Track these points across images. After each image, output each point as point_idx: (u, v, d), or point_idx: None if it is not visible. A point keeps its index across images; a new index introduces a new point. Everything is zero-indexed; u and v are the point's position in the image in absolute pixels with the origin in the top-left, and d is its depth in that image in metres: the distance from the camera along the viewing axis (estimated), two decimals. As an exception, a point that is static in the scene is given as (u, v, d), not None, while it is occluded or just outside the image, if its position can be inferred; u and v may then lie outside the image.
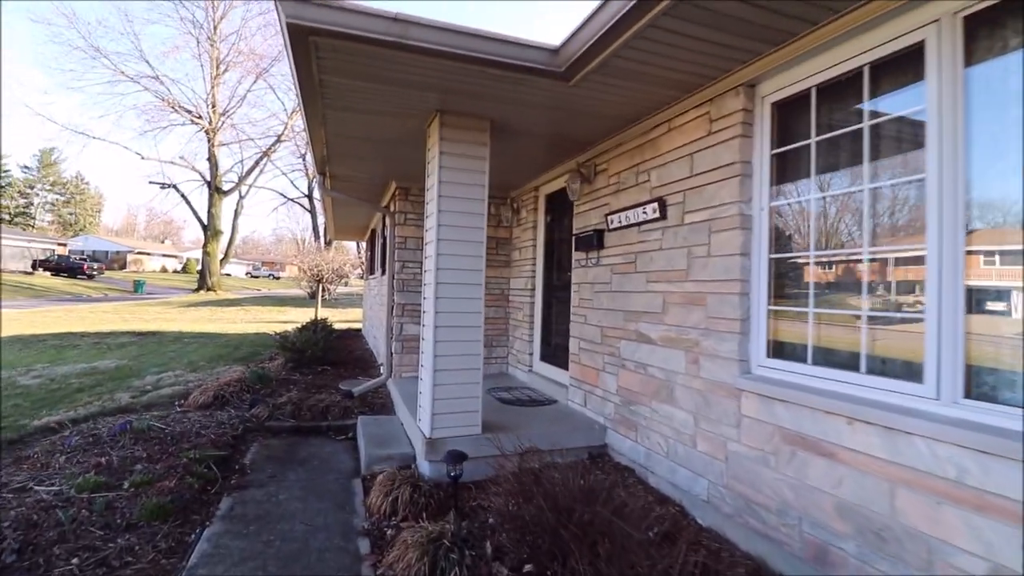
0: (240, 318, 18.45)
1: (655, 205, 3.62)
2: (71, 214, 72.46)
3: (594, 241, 4.39)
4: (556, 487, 2.49)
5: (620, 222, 4.06)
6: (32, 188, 68.42)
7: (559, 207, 5.66)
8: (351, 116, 3.88)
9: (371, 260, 11.08)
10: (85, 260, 41.45)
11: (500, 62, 2.90)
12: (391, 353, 6.24)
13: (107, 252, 56.37)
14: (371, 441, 4.37)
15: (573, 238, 4.79)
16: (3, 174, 62.51)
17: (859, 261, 2.50)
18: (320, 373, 7.57)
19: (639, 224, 3.85)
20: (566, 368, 5.15)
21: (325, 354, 7.96)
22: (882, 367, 2.34)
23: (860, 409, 2.26)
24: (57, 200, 71.39)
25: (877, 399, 2.27)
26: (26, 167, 68.24)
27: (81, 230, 69.29)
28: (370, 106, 3.64)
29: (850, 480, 2.30)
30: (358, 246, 44.25)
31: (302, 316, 19.32)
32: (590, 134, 4.21)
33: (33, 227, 63.77)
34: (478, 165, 3.84)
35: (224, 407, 5.66)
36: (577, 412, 4.63)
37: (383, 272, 7.72)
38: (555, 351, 5.63)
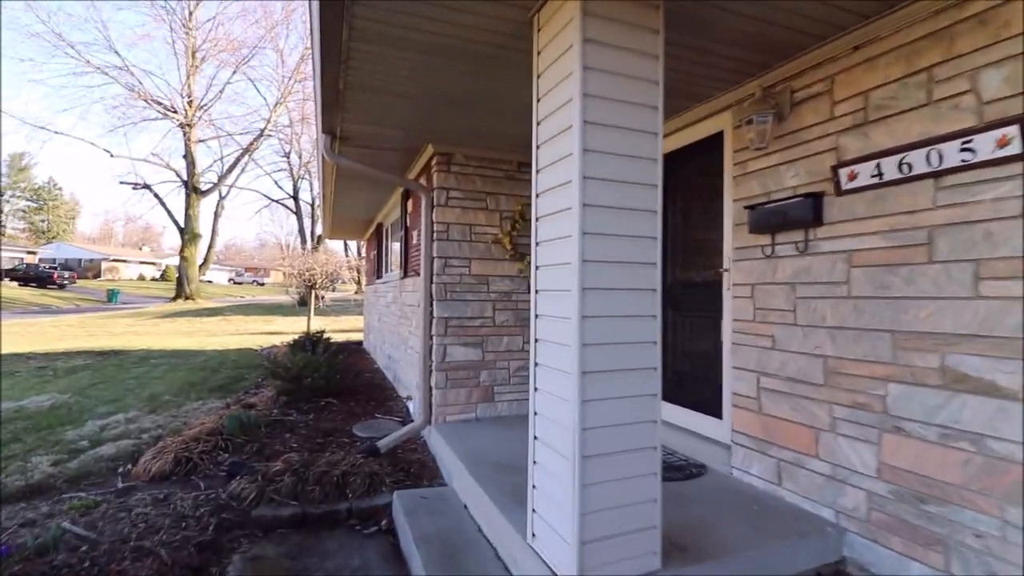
0: (221, 330, 16.42)
1: (1005, 132, 1.88)
2: (43, 221, 69.04)
3: (803, 213, 2.64)
4: None
5: (879, 175, 2.30)
6: (1, 195, 64.93)
7: (687, 171, 3.89)
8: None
9: (378, 260, 9.23)
10: (55, 269, 38.81)
11: None
12: (429, 388, 4.42)
13: (80, 260, 53.36)
14: (431, 554, 2.57)
15: (747, 212, 3.01)
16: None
17: None
18: (324, 409, 5.72)
19: (940, 174, 2.10)
20: (714, 414, 3.40)
21: (328, 381, 6.11)
22: None
23: None
24: (28, 207, 67.95)
25: None
26: (-6, 173, 64.68)
27: (54, 238, 65.89)
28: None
29: None
30: (346, 247, 42.18)
31: (291, 326, 17.32)
32: (809, 27, 2.45)
33: (3, 235, 60.39)
34: (646, 69, 2.06)
35: (189, 478, 3.81)
36: (764, 494, 2.86)
37: (404, 274, 5.90)
38: (682, 384, 3.85)
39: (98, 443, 4.56)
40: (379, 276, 8.94)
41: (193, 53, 26.07)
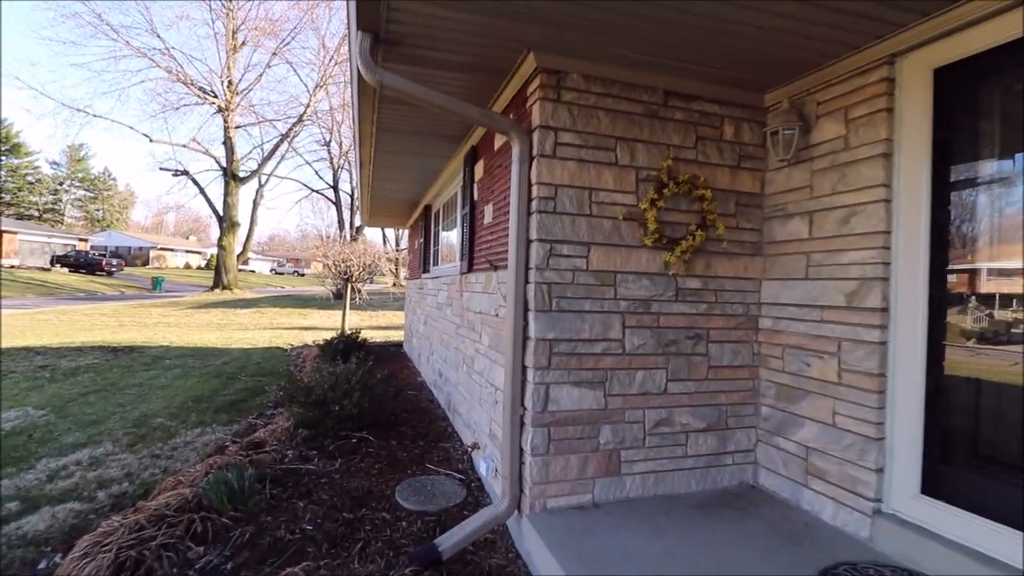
0: (253, 323, 15.32)
1: None
2: (98, 211, 71.37)
3: None
4: None
5: None
6: (61, 184, 67.23)
7: (977, 91, 2.09)
8: None
9: (424, 251, 7.64)
10: (104, 256, 39.49)
11: None
12: (520, 452, 2.76)
13: (130, 248, 54.63)
14: None
15: None
16: (32, 170, 61.09)
17: None
18: (356, 450, 4.15)
19: None
20: None
21: (363, 410, 4.54)
22: None
23: None
24: (84, 196, 70.31)
25: None
26: (55, 163, 67.00)
27: (108, 226, 67.89)
28: None
29: None
30: (384, 238, 41.08)
31: (326, 321, 16.10)
32: None
33: (62, 223, 62.53)
34: None
35: (132, 601, 2.27)
36: None
37: (469, 267, 4.24)
38: (983, 471, 2.06)
39: (32, 506, 3.11)
40: (426, 270, 7.35)
41: (233, 33, 25.24)
